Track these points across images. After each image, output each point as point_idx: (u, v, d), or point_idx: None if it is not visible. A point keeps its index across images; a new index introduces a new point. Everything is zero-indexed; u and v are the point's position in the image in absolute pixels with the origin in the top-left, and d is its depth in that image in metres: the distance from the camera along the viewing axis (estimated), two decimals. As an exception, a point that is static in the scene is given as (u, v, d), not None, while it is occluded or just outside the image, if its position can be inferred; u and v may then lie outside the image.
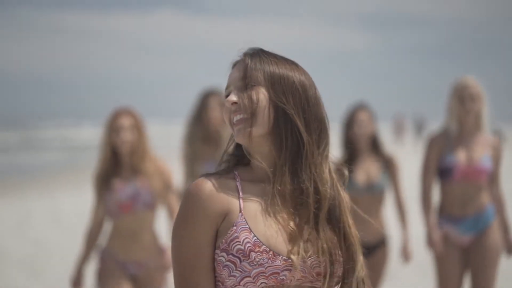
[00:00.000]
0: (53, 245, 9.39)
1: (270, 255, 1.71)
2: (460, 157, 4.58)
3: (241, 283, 1.71)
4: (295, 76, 1.81)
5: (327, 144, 1.81)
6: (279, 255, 1.72)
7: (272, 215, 1.76)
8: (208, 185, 1.76)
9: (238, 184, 1.77)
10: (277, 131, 1.77)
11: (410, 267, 7.13)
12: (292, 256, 1.71)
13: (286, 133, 1.77)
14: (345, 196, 1.84)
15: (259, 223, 1.74)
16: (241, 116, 1.78)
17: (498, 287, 4.99)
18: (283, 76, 1.80)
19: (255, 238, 1.72)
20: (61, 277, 7.17)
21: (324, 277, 1.76)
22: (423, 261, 7.37)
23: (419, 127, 39.94)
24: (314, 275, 1.75)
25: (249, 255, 1.70)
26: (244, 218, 1.74)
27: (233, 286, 1.73)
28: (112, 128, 4.39)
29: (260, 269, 1.71)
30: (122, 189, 4.33)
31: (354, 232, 1.81)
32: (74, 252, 7.02)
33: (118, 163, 4.41)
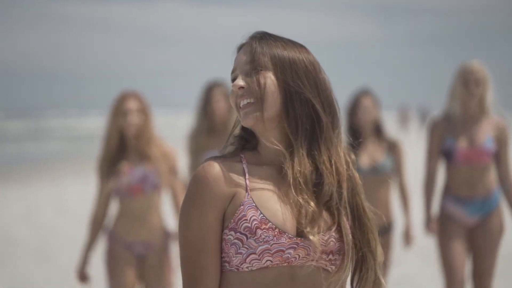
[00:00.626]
0: (60, 232, 9.52)
1: (276, 233, 1.72)
2: (461, 140, 4.58)
3: (247, 260, 1.73)
4: (306, 59, 1.81)
5: (340, 126, 1.82)
6: (285, 232, 1.73)
7: (281, 195, 1.77)
8: (214, 168, 1.77)
9: (244, 166, 1.78)
10: (292, 114, 1.77)
11: (413, 252, 7.16)
12: (311, 237, 1.72)
13: (302, 116, 1.77)
14: (359, 179, 1.85)
15: (266, 202, 1.75)
16: (248, 100, 1.78)
17: (499, 270, 5.07)
18: (294, 60, 1.80)
19: (262, 215, 1.73)
20: (69, 263, 7.28)
21: (341, 258, 1.77)
22: (426, 246, 7.41)
23: (423, 117, 39.96)
24: (319, 253, 1.75)
25: (255, 232, 1.72)
26: (251, 197, 1.75)
27: (239, 265, 1.74)
28: (119, 111, 4.39)
29: (266, 246, 1.72)
30: (131, 171, 4.35)
31: (369, 214, 1.82)
32: (81, 239, 7.11)
33: (124, 146, 4.41)
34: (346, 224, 1.77)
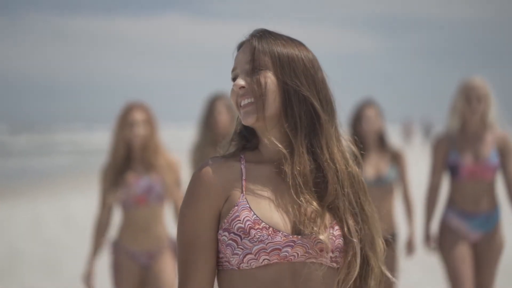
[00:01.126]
0: (66, 245, 9.62)
1: (270, 232, 1.73)
2: (466, 155, 4.58)
3: (244, 261, 1.74)
4: (305, 57, 1.81)
5: (338, 123, 1.84)
6: (279, 231, 1.74)
7: (279, 194, 1.78)
8: (211, 168, 1.79)
9: (242, 166, 1.80)
10: (290, 112, 1.78)
11: (415, 262, 7.17)
12: (321, 236, 1.73)
13: (301, 114, 1.78)
14: (360, 175, 1.85)
15: (260, 203, 1.76)
16: (249, 100, 1.79)
17: (499, 285, 5.10)
18: (293, 58, 1.80)
19: (255, 216, 1.74)
20: (74, 275, 7.35)
21: (343, 255, 1.77)
22: (428, 256, 7.34)
23: (427, 130, 40.00)
24: (318, 251, 1.75)
25: (249, 233, 1.73)
26: (246, 198, 1.76)
27: (238, 264, 1.75)
28: (125, 122, 4.41)
29: (261, 245, 1.72)
30: (137, 182, 4.36)
31: (371, 210, 1.84)
32: (86, 252, 7.19)
33: (130, 157, 4.43)
34: (351, 221, 1.78)
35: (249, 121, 1.79)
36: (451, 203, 4.67)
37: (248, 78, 1.79)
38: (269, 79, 1.78)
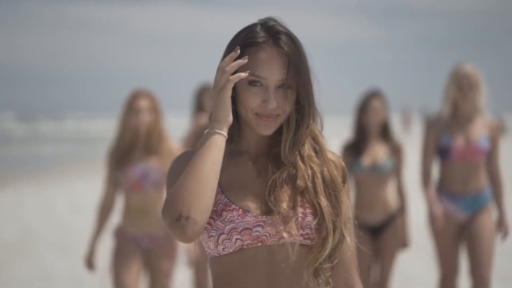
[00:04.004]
0: (74, 226, 10.03)
1: (240, 212, 1.78)
2: (457, 138, 4.68)
3: (219, 241, 1.78)
4: (310, 68, 1.85)
5: (313, 121, 1.86)
6: (249, 211, 1.78)
7: (252, 180, 1.83)
8: (187, 155, 1.84)
9: None
10: (291, 117, 1.83)
11: (414, 255, 7.28)
12: (282, 208, 1.77)
13: (292, 114, 1.82)
14: (336, 161, 1.88)
15: (232, 187, 1.81)
16: (275, 114, 1.81)
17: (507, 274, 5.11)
18: (310, 75, 1.83)
19: (226, 199, 1.80)
20: (83, 254, 7.72)
21: (317, 233, 1.80)
22: (425, 246, 7.54)
23: (426, 119, 40.12)
24: (289, 229, 1.77)
25: (221, 214, 1.78)
26: (219, 184, 1.80)
27: (215, 248, 1.79)
28: (131, 109, 4.44)
29: (232, 225, 1.77)
30: (134, 168, 4.41)
31: (323, 203, 1.82)
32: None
33: (134, 143, 4.47)
34: (323, 202, 1.80)
35: (268, 133, 1.82)
36: (440, 186, 4.78)
37: (279, 97, 1.80)
38: (293, 95, 1.82)
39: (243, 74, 1.77)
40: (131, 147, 4.48)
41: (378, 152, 5.01)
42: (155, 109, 4.49)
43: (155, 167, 4.43)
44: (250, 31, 1.82)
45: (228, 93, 1.77)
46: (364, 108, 5.08)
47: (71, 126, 60.03)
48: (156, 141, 4.45)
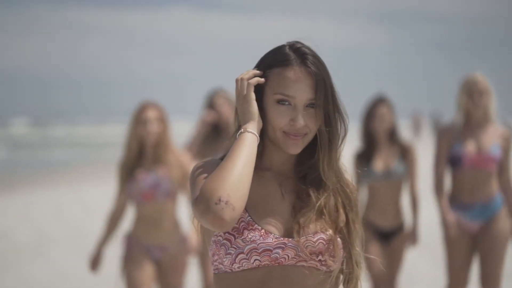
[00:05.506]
0: (86, 228, 10.19)
1: (262, 233, 1.77)
2: (468, 146, 4.70)
3: (236, 260, 1.77)
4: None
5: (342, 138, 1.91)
6: (271, 233, 1.78)
7: (276, 199, 1.84)
8: (212, 166, 1.82)
9: None
10: (318, 137, 1.87)
11: (419, 253, 7.31)
12: (302, 239, 1.79)
13: (323, 133, 1.86)
14: (352, 190, 1.91)
15: (256, 206, 1.81)
16: (302, 133, 1.83)
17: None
18: (336, 97, 1.87)
19: (249, 217, 1.79)
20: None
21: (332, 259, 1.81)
22: (433, 247, 7.58)
23: (436, 124, 40.21)
24: (308, 253, 1.79)
25: (242, 233, 1.77)
26: None
27: (230, 265, 1.78)
28: (139, 120, 4.50)
29: (253, 245, 1.76)
30: (144, 178, 4.45)
31: (355, 226, 1.87)
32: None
33: (142, 153, 4.53)
34: (344, 229, 1.84)
35: (295, 152, 1.85)
36: (451, 197, 4.80)
37: (308, 116, 1.83)
38: (321, 114, 1.85)
39: (261, 79, 1.83)
40: (139, 157, 4.53)
41: (388, 157, 5.02)
42: (162, 120, 4.56)
43: (165, 176, 4.47)
44: (278, 51, 1.87)
45: (252, 95, 1.82)
46: (371, 116, 5.10)
47: (82, 131, 60.45)
48: (163, 151, 4.50)
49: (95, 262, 4.55)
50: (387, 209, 4.98)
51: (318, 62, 1.84)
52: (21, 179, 18.25)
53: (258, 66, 1.88)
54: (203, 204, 1.70)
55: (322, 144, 1.84)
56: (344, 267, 1.84)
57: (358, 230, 1.86)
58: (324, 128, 1.84)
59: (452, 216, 4.73)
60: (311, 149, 1.88)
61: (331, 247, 1.81)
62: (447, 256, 4.77)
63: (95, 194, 14.24)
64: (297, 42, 1.87)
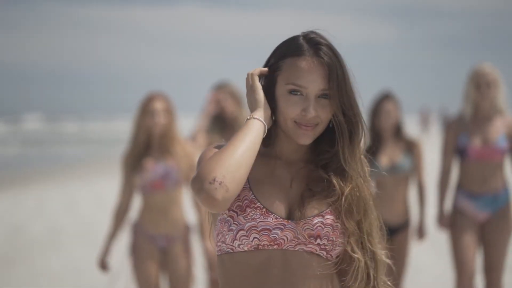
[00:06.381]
0: (99, 221, 10.27)
1: (263, 212, 1.78)
2: (475, 138, 4.69)
3: (237, 237, 1.78)
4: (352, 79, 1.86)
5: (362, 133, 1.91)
6: (272, 213, 1.79)
7: (282, 184, 1.84)
8: (212, 149, 1.85)
9: None
10: (331, 129, 1.87)
11: (426, 246, 7.30)
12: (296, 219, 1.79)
13: (342, 123, 1.84)
14: (368, 188, 1.91)
15: (261, 186, 1.82)
16: (313, 123, 1.82)
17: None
18: (351, 88, 1.84)
19: (253, 195, 1.80)
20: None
21: (331, 244, 1.81)
22: (439, 240, 7.57)
23: (444, 120, 40.20)
24: (306, 236, 1.79)
25: (245, 210, 1.78)
26: (248, 180, 1.82)
27: (231, 243, 1.79)
28: (146, 111, 4.50)
29: (253, 223, 1.77)
30: (154, 168, 4.46)
31: (372, 218, 1.89)
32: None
33: (149, 144, 4.53)
34: (351, 224, 1.83)
35: (306, 143, 1.84)
36: (460, 185, 4.81)
37: (319, 106, 1.82)
38: (334, 105, 1.83)
39: (263, 69, 1.86)
40: (146, 148, 4.53)
41: (394, 152, 5.05)
42: (169, 111, 4.56)
43: (174, 166, 4.49)
44: (292, 42, 1.85)
45: (257, 84, 1.84)
46: (377, 112, 5.12)
47: (94, 127, 60.80)
48: (170, 143, 4.51)
49: (103, 261, 4.54)
50: (394, 205, 4.99)
51: (332, 53, 1.82)
52: (34, 174, 18.49)
53: (272, 56, 1.87)
54: (199, 182, 1.72)
55: (341, 134, 1.83)
56: (361, 260, 1.82)
57: (374, 223, 1.86)
58: (341, 118, 1.82)
59: (446, 220, 4.81)
60: (331, 138, 1.87)
61: (330, 231, 1.79)
62: (454, 248, 4.75)
63: (106, 189, 14.40)
64: (312, 32, 1.85)
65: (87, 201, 12.95)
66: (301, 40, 1.83)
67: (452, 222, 4.78)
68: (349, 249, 1.81)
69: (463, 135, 4.75)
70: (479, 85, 4.71)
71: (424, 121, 39.10)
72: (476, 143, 4.69)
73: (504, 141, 4.71)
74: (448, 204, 4.88)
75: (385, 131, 5.11)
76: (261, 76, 1.86)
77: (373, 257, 1.84)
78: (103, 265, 4.56)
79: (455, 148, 4.81)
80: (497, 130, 4.72)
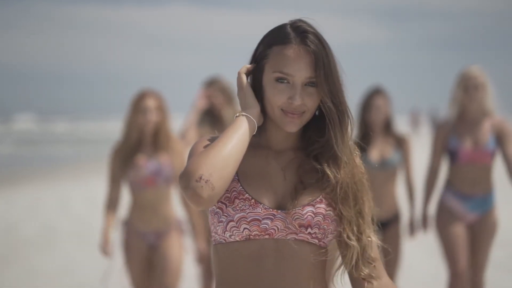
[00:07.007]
0: (91, 220, 10.42)
1: (252, 203, 1.78)
2: (464, 141, 4.69)
3: (227, 228, 1.78)
4: (339, 70, 1.84)
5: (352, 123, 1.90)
6: (261, 203, 1.79)
7: (271, 174, 1.84)
8: (209, 137, 1.88)
9: None
10: (318, 117, 1.87)
11: (416, 244, 7.28)
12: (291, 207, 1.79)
13: (332, 111, 1.83)
14: (362, 172, 1.91)
15: (250, 177, 1.82)
16: (300, 111, 1.82)
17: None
18: (338, 77, 1.83)
19: (241, 187, 1.80)
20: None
21: (322, 232, 1.81)
22: (429, 238, 7.36)
23: (434, 120, 40.39)
24: (297, 226, 1.79)
25: (233, 202, 1.79)
26: (236, 172, 1.81)
27: (223, 234, 1.80)
28: (138, 109, 4.48)
29: (242, 214, 1.77)
30: (146, 164, 4.46)
31: (366, 204, 1.90)
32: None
33: (141, 141, 4.52)
34: (346, 206, 1.83)
35: (293, 130, 1.83)
36: (449, 184, 4.79)
37: (305, 95, 1.81)
38: (320, 93, 1.82)
39: (248, 66, 1.86)
40: (137, 145, 4.52)
41: (384, 147, 5.06)
42: (161, 109, 4.54)
43: (166, 163, 4.49)
44: (279, 30, 1.84)
45: (245, 83, 1.84)
46: (367, 107, 5.11)
47: (87, 127, 60.80)
48: (163, 139, 4.50)
49: (105, 249, 4.52)
50: (383, 199, 4.99)
51: (318, 41, 1.81)
52: (27, 174, 18.54)
53: (260, 44, 1.87)
54: (185, 180, 1.72)
55: (332, 120, 1.82)
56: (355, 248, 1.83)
57: (367, 213, 1.86)
58: (330, 105, 1.81)
59: (429, 222, 4.89)
60: (319, 127, 1.87)
61: (321, 220, 1.80)
62: (446, 249, 4.75)
63: (99, 189, 14.49)
64: (299, 20, 1.85)
65: (81, 200, 13.02)
66: (288, 29, 1.83)
67: (438, 219, 4.80)
68: (344, 236, 1.81)
69: (453, 137, 4.76)
70: (467, 87, 4.73)
71: (414, 122, 39.28)
72: (467, 146, 4.70)
73: (493, 143, 4.71)
74: (432, 207, 4.91)
75: (375, 126, 5.12)
76: (248, 73, 1.88)
77: (369, 239, 1.85)
78: (106, 252, 4.51)
79: (444, 149, 4.82)
80: (486, 132, 4.72)
